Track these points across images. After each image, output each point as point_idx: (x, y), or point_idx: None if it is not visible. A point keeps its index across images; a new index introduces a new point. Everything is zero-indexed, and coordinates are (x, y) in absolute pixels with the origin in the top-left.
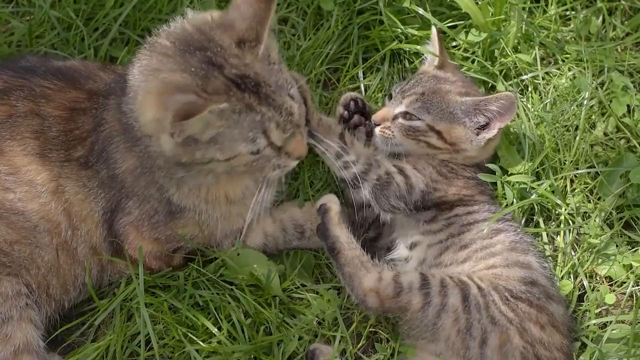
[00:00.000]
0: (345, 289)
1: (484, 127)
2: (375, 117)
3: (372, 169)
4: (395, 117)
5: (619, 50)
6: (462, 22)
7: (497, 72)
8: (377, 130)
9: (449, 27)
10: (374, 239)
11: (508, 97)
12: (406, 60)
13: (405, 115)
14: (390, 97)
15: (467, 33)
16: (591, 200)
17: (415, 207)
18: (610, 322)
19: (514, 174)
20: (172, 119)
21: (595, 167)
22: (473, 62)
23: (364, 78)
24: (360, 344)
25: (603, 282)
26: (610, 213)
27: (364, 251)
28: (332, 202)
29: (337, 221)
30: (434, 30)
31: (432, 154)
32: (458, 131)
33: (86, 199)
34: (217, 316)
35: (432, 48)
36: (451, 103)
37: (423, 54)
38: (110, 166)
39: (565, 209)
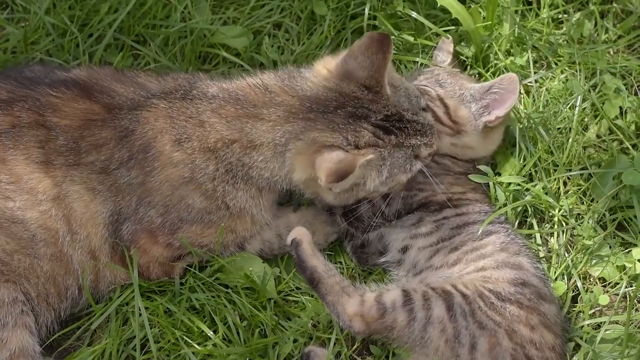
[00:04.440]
0: (332, 316)
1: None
2: None
3: None
4: None
5: (611, 52)
6: (455, 26)
7: (491, 76)
8: None
9: (444, 31)
10: (361, 245)
11: (509, 79)
12: (403, 66)
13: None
14: None
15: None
16: (584, 202)
17: (398, 216)
18: (604, 322)
19: (505, 175)
20: (326, 181)
21: (588, 169)
22: (468, 67)
23: None
24: (355, 347)
25: (597, 283)
26: (604, 214)
27: (342, 274)
28: (302, 234)
29: (311, 252)
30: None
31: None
32: (463, 112)
33: (92, 202)
34: (212, 319)
35: (443, 53)
36: (463, 86)
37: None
38: (139, 174)
39: (559, 211)
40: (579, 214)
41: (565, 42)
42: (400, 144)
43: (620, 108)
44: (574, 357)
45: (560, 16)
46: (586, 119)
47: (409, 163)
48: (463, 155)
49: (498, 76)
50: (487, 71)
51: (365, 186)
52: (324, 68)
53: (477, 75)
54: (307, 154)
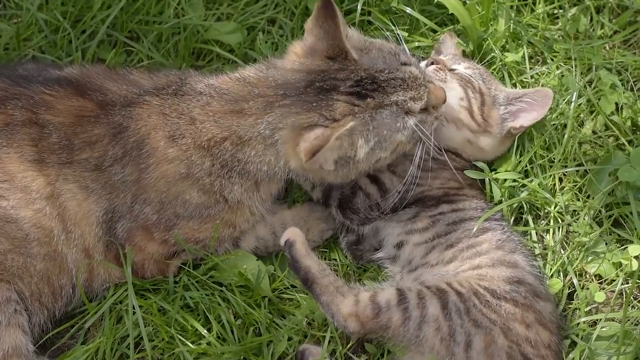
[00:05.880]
0: (326, 316)
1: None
2: (434, 57)
3: (336, 186)
4: (452, 70)
5: (607, 48)
6: (450, 22)
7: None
8: (432, 67)
9: (440, 27)
10: (356, 242)
11: (544, 94)
12: None
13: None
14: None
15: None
16: (580, 199)
17: (394, 209)
18: (600, 319)
19: (501, 171)
20: (305, 159)
21: (584, 165)
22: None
23: None
24: (349, 344)
25: (593, 280)
26: (599, 211)
27: (339, 273)
28: (295, 235)
29: (304, 252)
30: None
31: (460, 123)
32: (494, 112)
33: (86, 200)
34: (206, 317)
35: (448, 47)
36: (498, 88)
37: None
38: (133, 171)
39: (555, 207)
40: (574, 211)
41: (560, 37)
42: (380, 104)
43: (616, 104)
44: (570, 355)
45: (555, 11)
46: (582, 115)
47: (400, 121)
48: (470, 155)
49: (495, 71)
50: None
51: (357, 156)
52: (293, 53)
53: None
54: (291, 141)
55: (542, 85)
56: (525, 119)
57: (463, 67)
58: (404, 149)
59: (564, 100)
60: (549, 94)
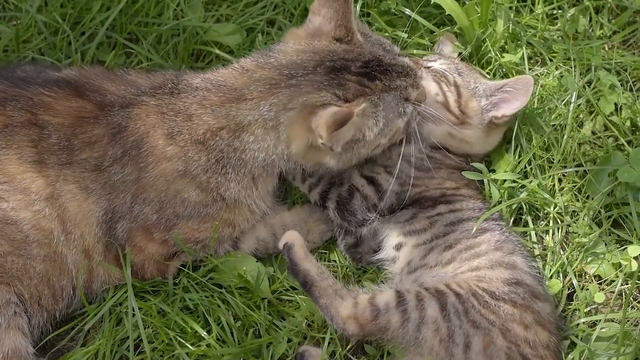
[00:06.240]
0: (325, 319)
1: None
2: (410, 58)
3: (333, 188)
4: (427, 67)
5: (606, 48)
6: (449, 23)
7: (488, 74)
8: None
9: (438, 28)
10: (354, 244)
11: (524, 81)
12: None
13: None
14: None
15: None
16: (579, 199)
17: (391, 211)
18: (600, 320)
19: (500, 172)
20: (327, 132)
21: (583, 166)
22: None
23: None
24: (349, 346)
25: (592, 280)
26: (599, 212)
27: (338, 276)
28: (294, 238)
29: (303, 255)
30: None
31: (437, 117)
32: (473, 104)
33: (85, 201)
34: (206, 319)
35: (447, 47)
36: (477, 80)
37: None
38: (132, 170)
39: (554, 208)
40: (574, 211)
41: (559, 38)
42: (387, 87)
43: (615, 104)
44: (570, 355)
45: (554, 12)
46: (581, 116)
47: (401, 106)
48: (457, 149)
49: (494, 73)
50: (483, 68)
51: (365, 139)
52: (295, 36)
53: None
54: (301, 121)
55: (542, 86)
56: (508, 108)
57: (438, 64)
58: (397, 139)
59: (563, 100)
60: (529, 81)
